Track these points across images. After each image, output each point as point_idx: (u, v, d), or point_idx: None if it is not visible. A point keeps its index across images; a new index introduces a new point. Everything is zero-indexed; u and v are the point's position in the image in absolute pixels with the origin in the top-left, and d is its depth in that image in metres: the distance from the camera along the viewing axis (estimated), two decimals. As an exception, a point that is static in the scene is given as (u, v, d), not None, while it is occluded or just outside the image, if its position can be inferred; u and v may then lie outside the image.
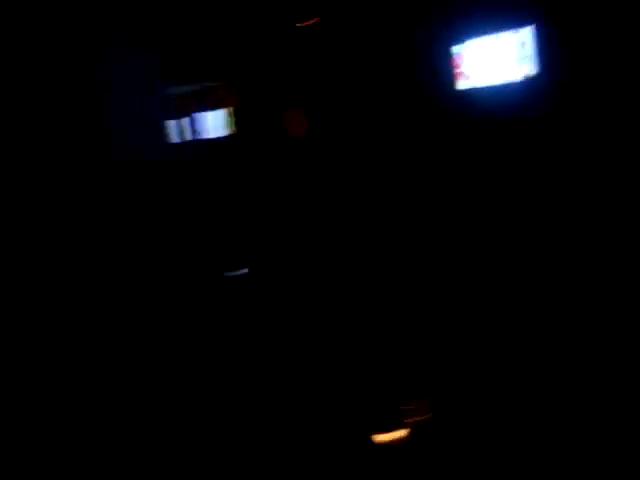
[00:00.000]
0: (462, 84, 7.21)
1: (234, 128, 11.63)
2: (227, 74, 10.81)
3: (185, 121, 12.62)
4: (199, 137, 12.12)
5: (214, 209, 6.19)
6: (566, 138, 5.83)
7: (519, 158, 6.15)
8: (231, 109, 11.32)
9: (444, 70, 7.32)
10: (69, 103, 6.08)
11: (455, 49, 7.18)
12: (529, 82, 6.57)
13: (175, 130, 12.33)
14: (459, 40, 7.12)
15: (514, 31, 6.61)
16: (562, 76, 6.21)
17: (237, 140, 11.46)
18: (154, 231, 5.17)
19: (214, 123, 11.85)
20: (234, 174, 7.84)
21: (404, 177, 5.80)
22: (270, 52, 9.43)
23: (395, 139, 7.52)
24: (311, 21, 8.38)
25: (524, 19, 6.52)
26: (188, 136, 12.62)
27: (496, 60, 6.86)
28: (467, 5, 7.02)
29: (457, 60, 7.19)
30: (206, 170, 8.96)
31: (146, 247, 4.96)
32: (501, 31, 6.73)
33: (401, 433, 2.20)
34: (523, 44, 6.57)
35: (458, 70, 7.21)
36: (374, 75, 8.26)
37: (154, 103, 7.49)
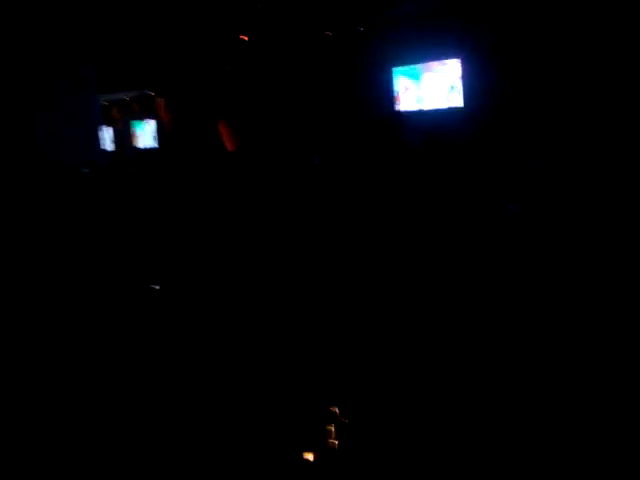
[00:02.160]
0: (400, 106, 7.51)
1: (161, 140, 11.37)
2: (158, 84, 10.57)
3: (109, 130, 12.20)
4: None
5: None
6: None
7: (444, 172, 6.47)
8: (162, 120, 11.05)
9: (384, 92, 7.59)
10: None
11: (395, 73, 7.48)
12: (455, 110, 6.97)
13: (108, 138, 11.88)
14: (398, 65, 7.43)
15: (443, 63, 7.02)
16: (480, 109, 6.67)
17: (164, 153, 11.17)
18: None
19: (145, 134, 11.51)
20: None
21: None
22: (208, 66, 9.35)
23: (334, 154, 7.67)
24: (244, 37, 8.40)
25: (453, 52, 6.94)
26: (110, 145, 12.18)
27: (429, 88, 7.22)
28: (404, 33, 7.33)
29: (396, 84, 7.49)
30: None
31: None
32: (432, 61, 7.12)
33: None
34: (451, 77, 7.00)
35: (397, 94, 7.50)
36: (317, 94, 8.42)
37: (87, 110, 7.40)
